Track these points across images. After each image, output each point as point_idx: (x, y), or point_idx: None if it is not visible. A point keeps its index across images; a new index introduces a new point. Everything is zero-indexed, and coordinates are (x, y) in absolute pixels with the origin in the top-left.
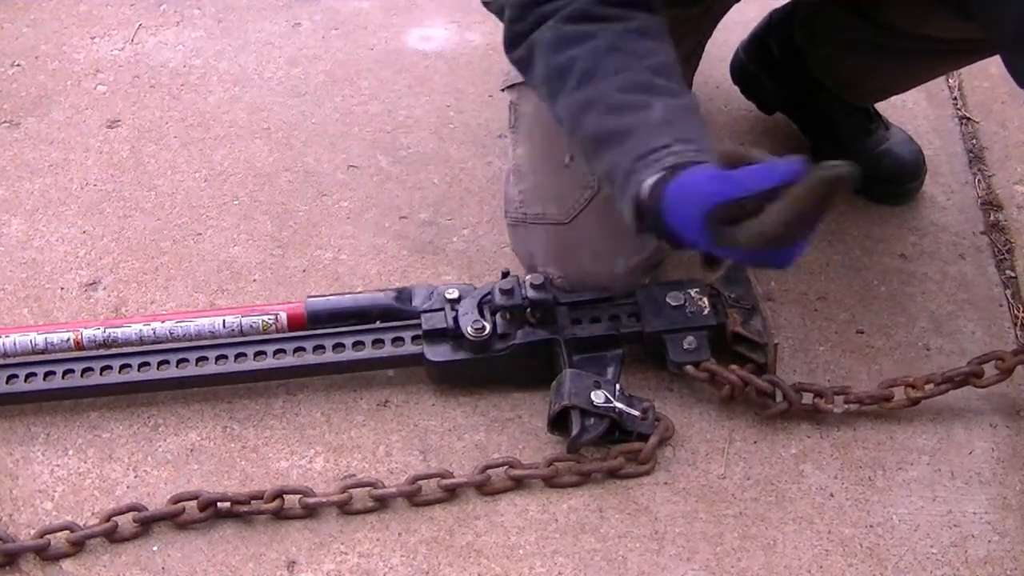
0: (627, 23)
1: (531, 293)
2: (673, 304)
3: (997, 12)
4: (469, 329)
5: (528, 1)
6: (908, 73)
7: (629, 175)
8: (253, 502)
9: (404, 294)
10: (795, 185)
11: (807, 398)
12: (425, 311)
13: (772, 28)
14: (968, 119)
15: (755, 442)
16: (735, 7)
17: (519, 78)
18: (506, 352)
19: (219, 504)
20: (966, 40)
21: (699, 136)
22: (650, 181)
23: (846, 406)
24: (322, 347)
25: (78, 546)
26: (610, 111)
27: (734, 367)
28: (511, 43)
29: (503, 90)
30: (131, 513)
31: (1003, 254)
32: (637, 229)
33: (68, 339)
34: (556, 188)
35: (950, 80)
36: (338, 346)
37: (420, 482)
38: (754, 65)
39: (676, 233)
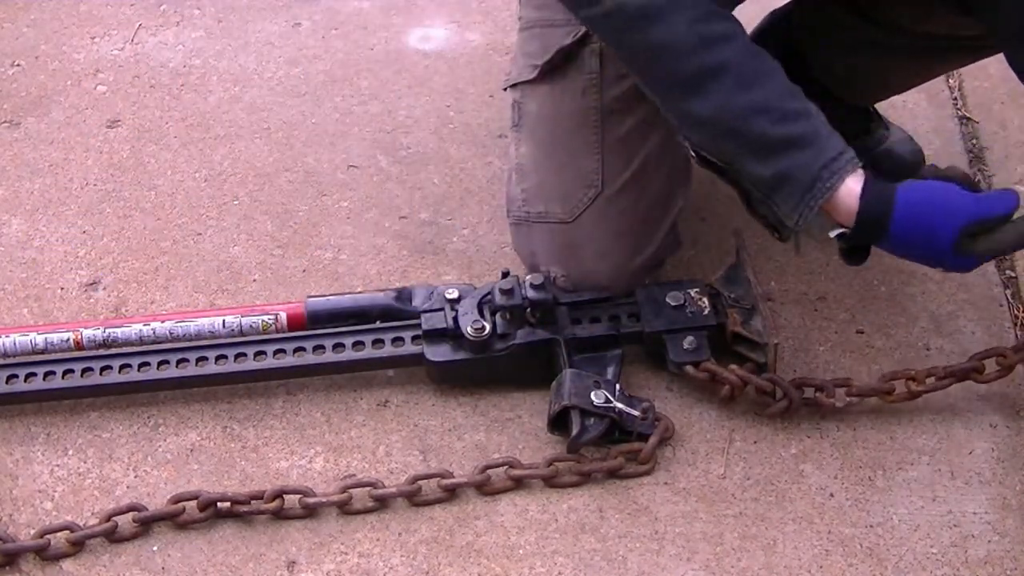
0: (733, 19)
1: (531, 293)
2: (673, 304)
3: (998, 7)
4: (469, 329)
5: None
6: (908, 72)
7: (816, 180)
8: (253, 502)
9: (404, 294)
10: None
11: (808, 393)
12: (425, 311)
13: (771, 28)
14: (968, 119)
15: (755, 442)
16: (736, 8)
17: (522, 76)
18: (506, 352)
19: (219, 504)
20: (966, 37)
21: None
22: (852, 185)
23: (848, 399)
24: (322, 347)
25: (78, 546)
26: (784, 118)
27: (734, 367)
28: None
29: (506, 89)
30: (131, 513)
31: None
32: (844, 253)
33: (68, 339)
34: (560, 187)
35: (950, 80)
36: (338, 346)
37: (420, 482)
38: None
39: (904, 233)
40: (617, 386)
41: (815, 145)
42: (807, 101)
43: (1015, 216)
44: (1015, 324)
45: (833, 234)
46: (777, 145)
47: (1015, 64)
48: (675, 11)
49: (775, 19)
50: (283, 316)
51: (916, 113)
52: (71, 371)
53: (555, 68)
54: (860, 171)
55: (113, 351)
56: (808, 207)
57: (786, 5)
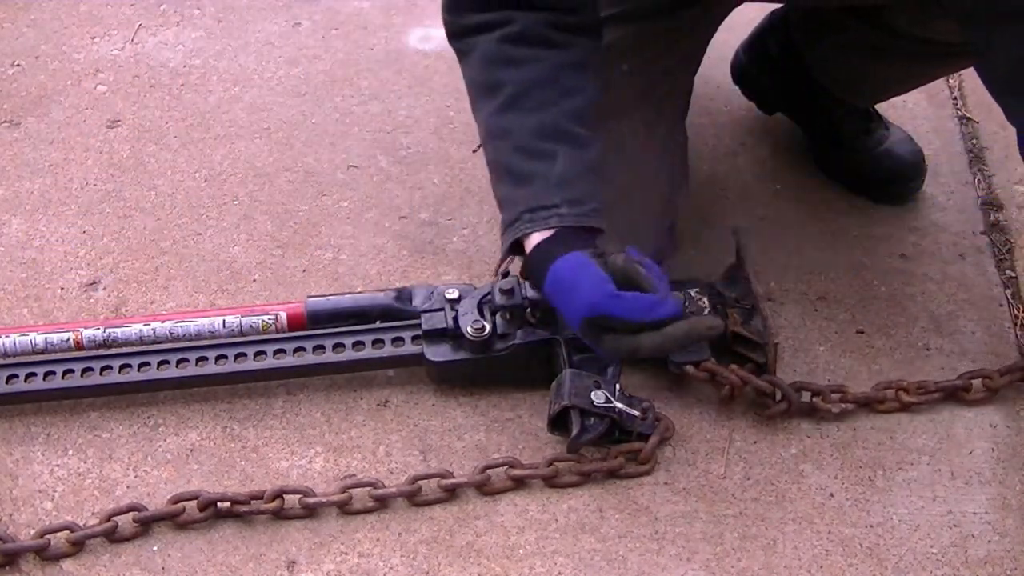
0: (565, 53)
1: (531, 293)
2: None
3: (988, 54)
4: (469, 329)
5: (473, 4)
6: (906, 75)
7: (515, 221)
8: (253, 502)
9: (404, 294)
10: (671, 327)
11: (805, 397)
12: (425, 311)
13: (772, 29)
14: (968, 119)
15: (755, 442)
16: (733, 8)
17: None
18: (506, 352)
19: (219, 504)
20: (966, 43)
21: (591, 197)
22: (536, 239)
23: (843, 405)
24: (322, 347)
25: (78, 546)
26: (518, 151)
27: (734, 367)
28: (453, 33)
29: None
30: (131, 513)
31: (1003, 254)
32: (504, 262)
33: (68, 339)
34: None
35: (950, 80)
36: (338, 346)
37: (420, 482)
38: (754, 65)
39: (550, 300)
40: (617, 386)
41: (531, 188)
42: (567, 147)
43: (668, 324)
44: (1015, 324)
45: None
46: (506, 173)
47: (1008, 113)
48: (499, 27)
49: (774, 20)
50: (283, 316)
51: (916, 113)
52: (71, 371)
53: None
54: (553, 231)
55: (113, 351)
56: (505, 240)
57: (786, 5)
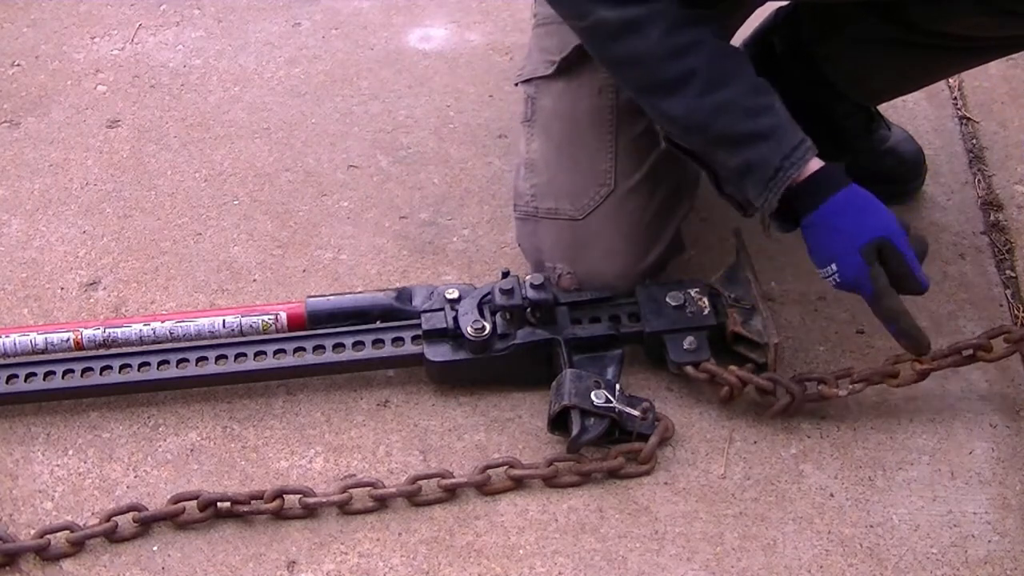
0: (705, 23)
1: (531, 293)
2: (673, 304)
3: None
4: (469, 329)
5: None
6: (920, 71)
7: (777, 171)
8: (253, 502)
9: (404, 294)
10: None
11: (810, 387)
12: (425, 311)
13: (778, 25)
14: (968, 119)
15: (755, 442)
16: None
17: (537, 72)
18: (506, 352)
19: (219, 504)
20: (985, 38)
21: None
22: (808, 172)
23: (851, 386)
24: (322, 347)
25: (78, 546)
26: (747, 115)
27: (734, 367)
28: (603, 50)
29: (517, 84)
30: (131, 513)
31: (1003, 254)
32: (775, 217)
33: (68, 339)
34: (571, 184)
35: (950, 80)
36: (338, 346)
37: (420, 482)
38: (756, 63)
39: (831, 219)
40: (617, 386)
41: (776, 137)
42: (772, 96)
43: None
44: (1015, 324)
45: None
46: (742, 139)
47: None
48: (650, 24)
49: (780, 18)
50: (283, 316)
51: (916, 113)
52: (71, 371)
53: (572, 65)
54: (816, 158)
55: (113, 351)
56: (772, 192)
57: (793, 2)
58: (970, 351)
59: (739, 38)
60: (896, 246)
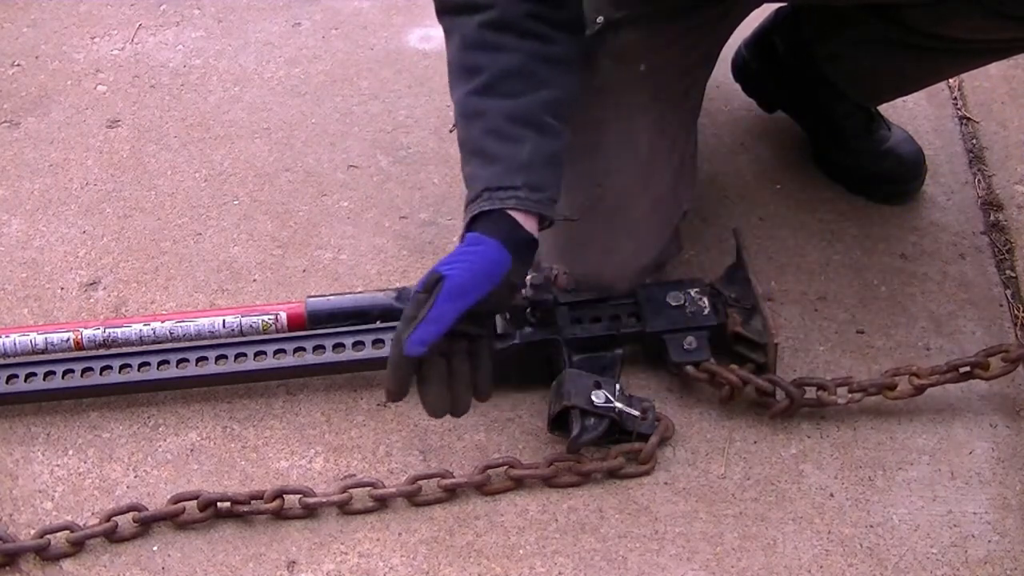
0: (544, 46)
1: (531, 293)
2: (673, 304)
3: None
4: None
5: None
6: (922, 72)
7: (475, 198)
8: (253, 502)
9: (404, 294)
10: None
11: (809, 392)
12: None
13: (778, 25)
14: (968, 119)
15: (755, 442)
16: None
17: None
18: (506, 352)
19: (219, 504)
20: (982, 41)
21: (550, 186)
22: (485, 207)
23: (850, 395)
24: (322, 347)
25: (78, 546)
26: (490, 133)
27: (734, 367)
28: (440, 9)
29: None
30: (131, 513)
31: (1003, 254)
32: (463, 237)
33: (68, 339)
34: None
35: (950, 80)
36: (338, 346)
37: (420, 482)
38: (757, 62)
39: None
40: (617, 386)
41: (495, 168)
42: (537, 135)
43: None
44: (1015, 324)
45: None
46: (474, 151)
47: None
48: (478, 11)
49: (780, 17)
50: (283, 316)
51: (916, 113)
52: (71, 371)
53: None
54: (526, 215)
55: (113, 351)
56: (468, 213)
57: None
58: (967, 368)
59: (739, 38)
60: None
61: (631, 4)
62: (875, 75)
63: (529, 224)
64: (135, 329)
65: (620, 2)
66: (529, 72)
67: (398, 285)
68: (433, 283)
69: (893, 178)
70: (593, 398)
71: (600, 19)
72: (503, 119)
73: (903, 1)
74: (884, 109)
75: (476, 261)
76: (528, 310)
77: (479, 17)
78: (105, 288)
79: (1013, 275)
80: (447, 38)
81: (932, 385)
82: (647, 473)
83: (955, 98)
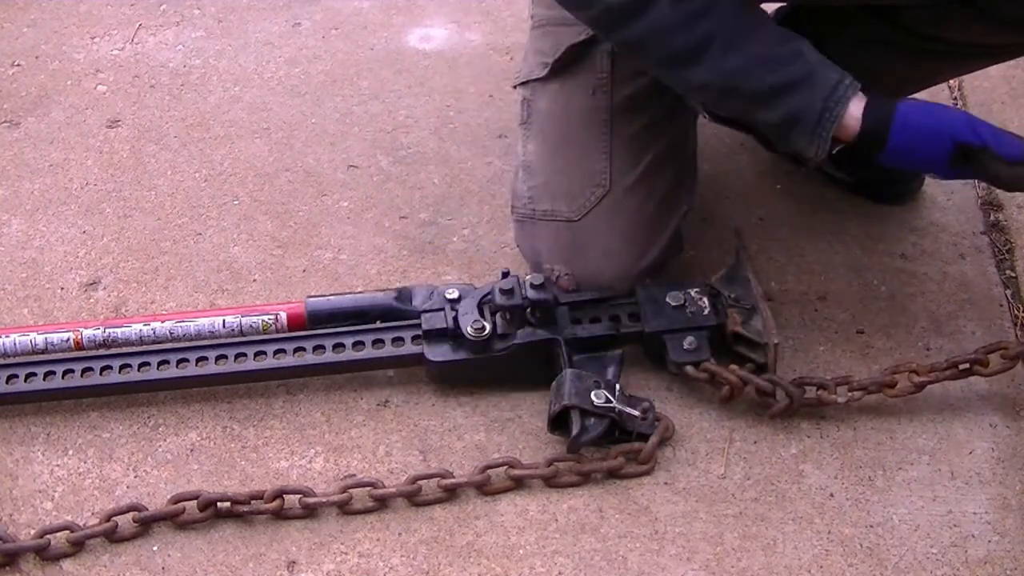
0: None
1: (531, 293)
2: (673, 304)
3: None
4: (469, 329)
5: None
6: (921, 74)
7: (822, 113)
8: (253, 502)
9: (404, 294)
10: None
11: (809, 392)
12: (425, 311)
13: (779, 25)
14: None
15: (755, 442)
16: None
17: (532, 74)
18: (506, 352)
19: (219, 504)
20: (981, 44)
21: (837, 66)
22: (855, 110)
23: (850, 394)
24: (322, 347)
25: (78, 546)
26: (776, 66)
27: (734, 367)
28: (607, 27)
29: (516, 87)
30: (131, 513)
31: (1003, 254)
32: (834, 159)
33: (68, 339)
34: (567, 185)
35: (950, 80)
36: (338, 346)
37: (420, 482)
38: None
39: (900, 149)
40: (617, 386)
41: (811, 82)
42: (797, 41)
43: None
44: (1015, 324)
45: (834, 150)
46: (777, 91)
47: None
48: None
49: (781, 16)
50: (283, 316)
51: None
52: (71, 371)
53: (565, 66)
54: (860, 93)
55: (113, 351)
56: (821, 139)
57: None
58: (967, 365)
59: None
60: (973, 143)
61: None
62: (874, 76)
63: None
64: (135, 329)
65: None
66: (734, 7)
67: (398, 285)
68: (960, 157)
69: (893, 178)
70: (593, 398)
71: None
72: (773, 49)
73: (902, 3)
74: None
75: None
76: (528, 310)
77: (664, 1)
78: (105, 288)
79: (1013, 275)
80: (641, 44)
81: (932, 382)
82: (647, 473)
83: (955, 98)
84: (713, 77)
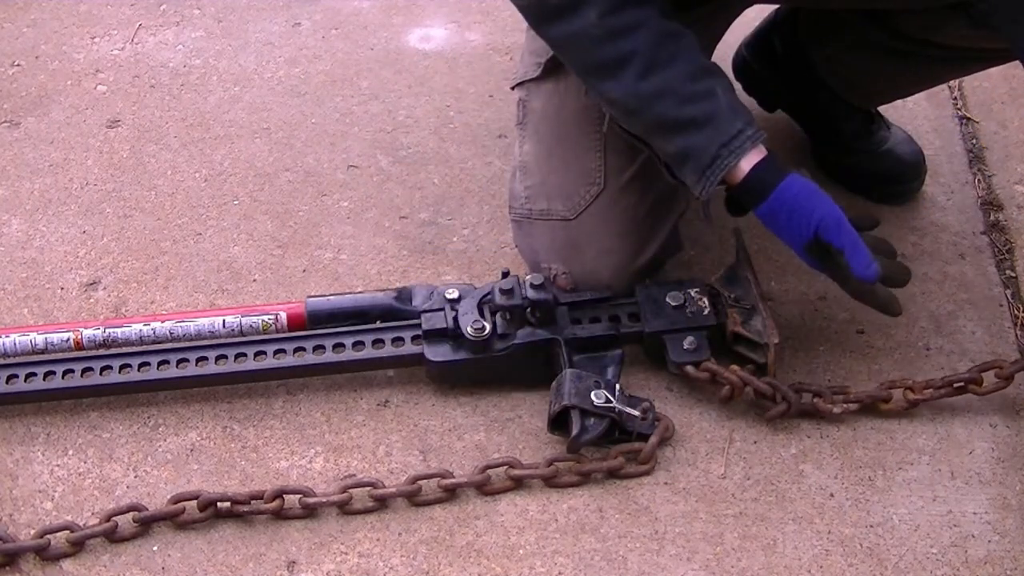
0: (652, 8)
1: (531, 293)
2: (673, 304)
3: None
4: (469, 329)
5: None
6: (914, 78)
7: (714, 159)
8: (253, 502)
9: (404, 294)
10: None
11: (806, 398)
12: (425, 311)
13: (777, 25)
14: (968, 119)
15: (755, 442)
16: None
17: (527, 75)
18: (506, 352)
19: (219, 504)
20: (975, 49)
21: (749, 114)
22: (746, 165)
23: (845, 406)
24: (322, 347)
25: (78, 546)
26: (685, 101)
27: (734, 367)
28: (541, 17)
29: (513, 88)
30: (131, 513)
31: (1003, 254)
32: (727, 202)
33: (68, 339)
34: (562, 185)
35: (949, 81)
36: (338, 346)
37: (420, 482)
38: (757, 62)
39: (771, 219)
40: (617, 386)
41: (714, 125)
42: (714, 80)
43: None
44: (1015, 324)
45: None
46: (678, 126)
47: None
48: (588, 4)
49: (779, 17)
50: (283, 316)
51: (916, 113)
52: (71, 371)
53: (559, 66)
54: (760, 147)
55: (113, 351)
56: (708, 181)
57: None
58: (961, 384)
59: (739, 38)
60: (832, 243)
61: None
62: (870, 79)
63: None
64: (135, 329)
65: None
66: (667, 32)
67: (398, 285)
68: (815, 247)
69: (893, 178)
70: (593, 398)
71: None
72: (685, 83)
73: (895, 7)
74: (884, 109)
75: (813, 192)
76: (528, 310)
77: (592, 11)
78: (105, 288)
79: (1013, 275)
80: (564, 47)
81: (925, 400)
82: (647, 473)
83: (955, 98)
84: (623, 96)
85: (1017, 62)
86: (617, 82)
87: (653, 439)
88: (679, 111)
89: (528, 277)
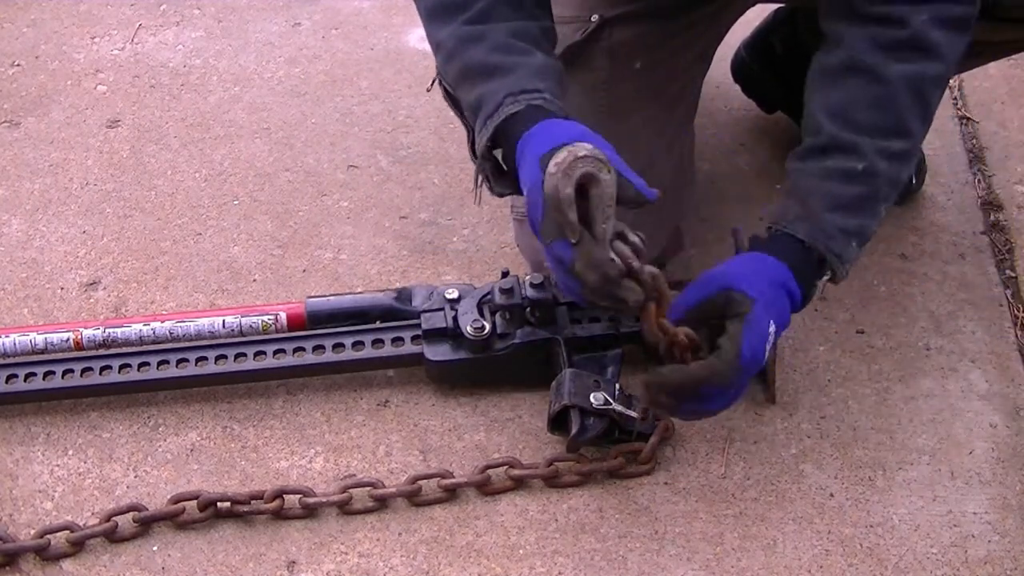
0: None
1: (531, 293)
2: None
3: None
4: (469, 329)
5: None
6: None
7: (498, 107)
8: (253, 502)
9: (404, 294)
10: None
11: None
12: (425, 311)
13: (776, 26)
14: (968, 119)
15: (755, 442)
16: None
17: None
18: (506, 352)
19: (219, 504)
20: (978, 43)
21: (562, 97)
22: (512, 110)
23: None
24: (322, 347)
25: (78, 546)
26: (497, 49)
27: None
28: None
29: None
30: (131, 513)
31: (1003, 254)
32: (483, 163)
33: (68, 339)
34: None
35: (950, 80)
36: (338, 346)
37: (420, 482)
38: (756, 63)
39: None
40: (617, 386)
41: (514, 76)
42: (544, 48)
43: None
44: (1015, 324)
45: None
46: (484, 71)
47: None
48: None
49: (779, 16)
50: (283, 316)
51: None
52: (71, 371)
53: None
54: (557, 110)
55: (113, 351)
56: (486, 129)
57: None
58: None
59: (739, 38)
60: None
61: (626, 2)
62: None
63: None
64: (135, 329)
65: (615, 0)
66: (518, 4)
67: (398, 285)
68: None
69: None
70: (592, 399)
71: (595, 17)
72: (507, 35)
73: None
74: None
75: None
76: (528, 310)
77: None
78: (105, 288)
79: (1013, 275)
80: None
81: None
82: (647, 473)
83: (955, 98)
84: (448, 37)
85: (1017, 62)
86: (447, 24)
87: (653, 439)
88: (487, 56)
89: (528, 276)
